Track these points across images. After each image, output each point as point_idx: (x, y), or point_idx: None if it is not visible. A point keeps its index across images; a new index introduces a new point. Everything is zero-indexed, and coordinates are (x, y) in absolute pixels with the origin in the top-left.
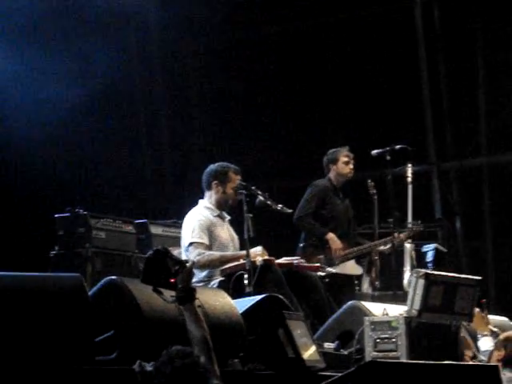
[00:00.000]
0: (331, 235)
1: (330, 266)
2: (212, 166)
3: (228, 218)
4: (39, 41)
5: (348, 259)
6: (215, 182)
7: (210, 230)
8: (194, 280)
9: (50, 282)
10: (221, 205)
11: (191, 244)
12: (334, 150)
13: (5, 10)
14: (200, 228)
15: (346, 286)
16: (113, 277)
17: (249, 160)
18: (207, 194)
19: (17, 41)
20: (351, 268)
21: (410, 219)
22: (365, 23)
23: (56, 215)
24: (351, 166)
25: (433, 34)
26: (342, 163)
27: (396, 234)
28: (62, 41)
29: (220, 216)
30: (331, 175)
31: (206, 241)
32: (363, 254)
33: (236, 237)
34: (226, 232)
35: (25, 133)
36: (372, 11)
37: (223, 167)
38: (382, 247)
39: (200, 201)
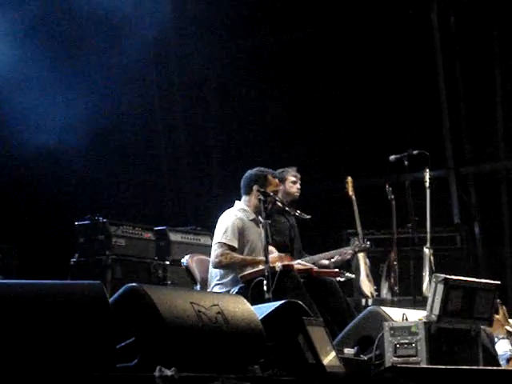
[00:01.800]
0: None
1: None
2: (251, 171)
3: (262, 222)
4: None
5: None
6: (256, 186)
7: (242, 233)
8: (219, 283)
9: (71, 289)
10: (258, 210)
11: (219, 243)
12: (281, 169)
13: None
14: (232, 230)
15: None
16: (133, 284)
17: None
18: (245, 198)
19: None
20: None
21: (428, 224)
22: (382, 29)
23: (76, 223)
24: (298, 186)
25: (449, 39)
26: (290, 182)
27: (343, 251)
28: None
29: (255, 221)
30: (279, 194)
31: (234, 243)
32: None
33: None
34: (258, 237)
35: (45, 142)
36: (389, 18)
37: (262, 171)
38: (323, 261)
39: (237, 202)
